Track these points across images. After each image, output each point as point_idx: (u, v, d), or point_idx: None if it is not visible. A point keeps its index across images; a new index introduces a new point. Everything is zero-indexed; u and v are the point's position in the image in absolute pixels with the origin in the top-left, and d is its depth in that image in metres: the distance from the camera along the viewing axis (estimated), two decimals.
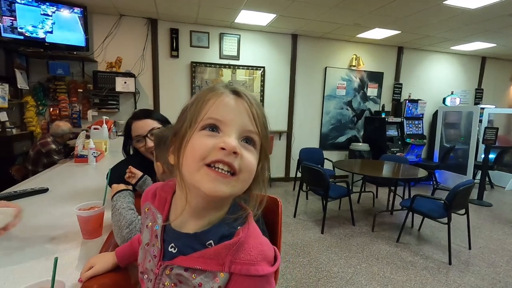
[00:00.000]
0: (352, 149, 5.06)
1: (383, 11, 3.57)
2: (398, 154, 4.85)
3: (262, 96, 4.74)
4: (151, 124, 1.16)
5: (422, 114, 5.39)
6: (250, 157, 0.45)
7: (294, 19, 4.00)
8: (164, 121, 1.21)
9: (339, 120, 5.25)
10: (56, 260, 0.49)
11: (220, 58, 4.47)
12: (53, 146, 2.96)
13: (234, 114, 0.45)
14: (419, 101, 5.36)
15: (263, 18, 4.01)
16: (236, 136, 0.44)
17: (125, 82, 3.90)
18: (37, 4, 3.39)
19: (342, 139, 5.33)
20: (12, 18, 3.28)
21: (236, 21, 4.12)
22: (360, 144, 5.10)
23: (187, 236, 0.47)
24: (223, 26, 4.38)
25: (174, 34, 4.21)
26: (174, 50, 4.24)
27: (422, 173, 3.29)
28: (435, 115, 5.62)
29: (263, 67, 4.68)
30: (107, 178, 0.92)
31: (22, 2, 3.32)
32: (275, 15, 3.86)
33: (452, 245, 2.68)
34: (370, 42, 5.07)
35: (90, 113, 3.94)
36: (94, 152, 1.81)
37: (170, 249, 0.48)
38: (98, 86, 3.84)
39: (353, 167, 3.63)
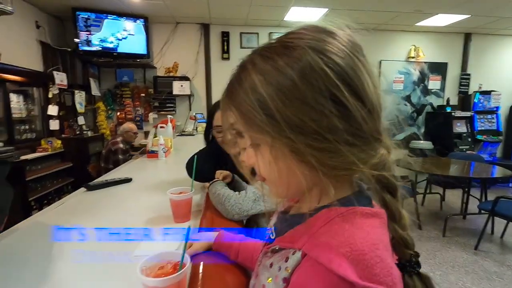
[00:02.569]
0: (412, 147, 4.66)
1: None
2: (467, 152, 4.34)
3: None
4: None
5: (497, 108, 4.75)
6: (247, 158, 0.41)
7: (348, 11, 3.83)
8: None
9: (397, 116, 4.88)
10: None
11: None
12: (121, 145, 3.22)
13: None
14: (492, 93, 4.74)
15: (313, 14, 3.91)
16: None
17: (181, 86, 4.12)
18: (119, 18, 3.78)
19: (400, 136, 4.94)
20: (88, 33, 3.68)
21: (285, 19, 4.09)
22: (422, 141, 4.68)
23: (288, 217, 0.44)
24: (272, 26, 4.39)
25: (225, 37, 4.34)
26: (225, 52, 4.37)
27: (505, 172, 2.88)
28: None
29: None
30: (193, 164, 0.95)
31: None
32: (327, 9, 3.74)
33: None
34: (431, 30, 4.63)
35: (151, 115, 4.24)
36: (163, 148, 1.93)
37: (271, 236, 0.46)
38: (157, 90, 4.12)
39: (417, 166, 3.32)
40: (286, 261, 0.35)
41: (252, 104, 0.34)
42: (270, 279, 0.38)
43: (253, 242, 0.63)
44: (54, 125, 3.49)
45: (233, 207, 0.82)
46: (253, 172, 0.97)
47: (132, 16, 3.85)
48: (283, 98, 0.32)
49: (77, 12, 3.58)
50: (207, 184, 0.99)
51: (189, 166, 1.18)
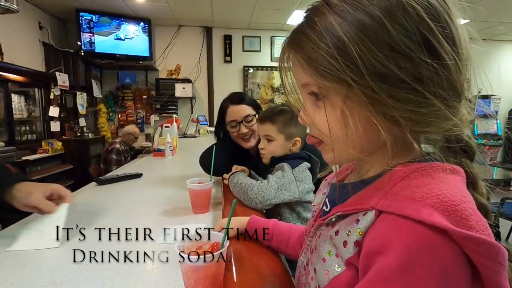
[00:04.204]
0: None
1: None
2: None
3: None
4: (246, 110, 1.15)
5: (497, 112, 4.80)
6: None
7: None
8: (256, 106, 1.20)
9: None
10: (234, 202, 0.47)
11: (271, 61, 4.50)
12: (117, 146, 3.18)
13: None
14: (491, 97, 4.78)
15: None
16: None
17: (183, 88, 4.12)
18: (122, 20, 3.79)
19: None
20: (91, 35, 3.67)
21: (287, 22, 4.13)
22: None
23: (348, 185, 0.40)
24: (274, 29, 4.42)
25: (227, 40, 4.36)
26: (228, 55, 4.38)
27: (506, 174, 2.89)
28: None
29: None
30: (209, 156, 0.93)
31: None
32: None
33: None
34: None
35: (153, 118, 4.22)
36: (170, 146, 1.90)
37: (325, 208, 0.44)
38: (160, 93, 4.11)
39: None
40: (357, 223, 0.32)
41: (327, 49, 0.30)
42: (331, 252, 0.36)
43: (287, 226, 0.61)
44: (55, 126, 3.45)
45: (256, 195, 0.80)
46: (272, 162, 0.95)
47: (135, 18, 3.86)
48: (366, 41, 0.29)
49: (81, 14, 3.58)
50: (226, 175, 0.97)
51: (204, 159, 1.16)
